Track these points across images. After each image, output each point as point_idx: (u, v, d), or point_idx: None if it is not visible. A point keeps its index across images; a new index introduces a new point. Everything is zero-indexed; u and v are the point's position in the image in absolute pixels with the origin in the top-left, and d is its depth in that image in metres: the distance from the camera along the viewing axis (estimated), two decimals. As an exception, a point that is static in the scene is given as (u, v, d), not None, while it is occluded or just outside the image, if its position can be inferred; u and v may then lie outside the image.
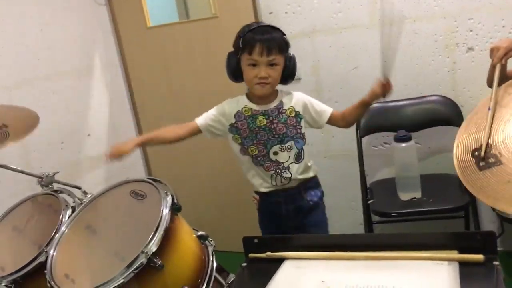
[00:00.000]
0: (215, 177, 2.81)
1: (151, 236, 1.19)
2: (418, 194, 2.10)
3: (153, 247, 1.18)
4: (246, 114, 1.76)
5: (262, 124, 1.74)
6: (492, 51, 1.62)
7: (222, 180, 2.78)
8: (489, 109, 1.41)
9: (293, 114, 1.76)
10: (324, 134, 2.53)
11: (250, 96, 1.79)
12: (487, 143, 1.33)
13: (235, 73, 1.72)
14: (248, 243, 1.13)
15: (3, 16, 2.17)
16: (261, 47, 1.64)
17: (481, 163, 1.32)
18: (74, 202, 1.58)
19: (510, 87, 1.46)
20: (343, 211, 2.62)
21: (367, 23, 2.34)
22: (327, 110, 1.81)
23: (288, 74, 1.74)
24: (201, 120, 1.80)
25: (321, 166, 2.57)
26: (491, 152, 1.32)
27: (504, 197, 1.22)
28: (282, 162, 1.76)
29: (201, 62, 2.67)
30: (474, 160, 1.35)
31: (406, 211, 2.07)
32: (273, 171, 1.77)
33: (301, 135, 1.77)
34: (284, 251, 1.13)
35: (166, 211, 1.25)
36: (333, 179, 2.58)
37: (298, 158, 1.78)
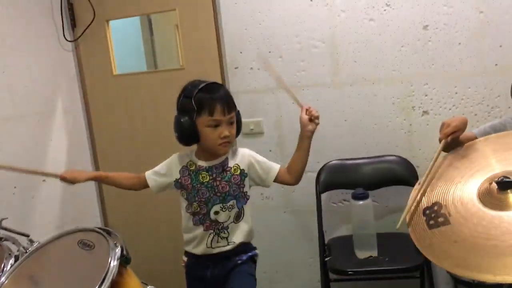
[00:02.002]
0: (174, 228, 2.75)
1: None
2: (374, 253, 2.10)
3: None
4: (190, 169, 1.74)
5: (204, 181, 1.71)
6: (442, 126, 1.68)
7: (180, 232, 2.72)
8: (418, 183, 1.46)
9: (238, 172, 1.73)
10: (284, 188, 2.54)
11: (198, 152, 1.77)
12: (418, 208, 1.37)
13: (191, 137, 1.67)
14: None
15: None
16: (222, 106, 1.62)
17: (431, 222, 1.35)
18: (18, 250, 1.50)
19: (468, 149, 1.51)
20: (301, 267, 2.60)
21: (328, 82, 2.41)
22: (274, 168, 1.77)
23: (239, 129, 1.75)
24: (149, 173, 1.79)
25: (280, 220, 2.58)
26: (441, 211, 1.36)
27: (450, 257, 1.24)
28: (222, 222, 1.73)
29: (165, 112, 2.65)
30: (424, 218, 1.38)
31: (362, 269, 2.06)
32: (212, 231, 1.73)
33: (243, 194, 1.75)
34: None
35: (114, 263, 1.21)
36: (291, 234, 2.58)
37: (238, 217, 1.75)
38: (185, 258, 1.81)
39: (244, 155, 1.77)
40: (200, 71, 2.51)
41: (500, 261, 1.13)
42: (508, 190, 1.25)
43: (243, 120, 1.82)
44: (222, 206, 1.71)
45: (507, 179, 1.25)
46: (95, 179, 1.93)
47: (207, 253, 1.75)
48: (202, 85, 1.65)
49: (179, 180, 1.75)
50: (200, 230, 1.74)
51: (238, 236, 1.75)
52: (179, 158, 1.78)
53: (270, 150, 2.53)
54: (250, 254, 1.80)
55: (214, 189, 1.71)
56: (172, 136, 2.61)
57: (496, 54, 2.15)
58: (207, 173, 1.72)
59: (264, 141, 2.54)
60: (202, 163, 1.74)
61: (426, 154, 2.34)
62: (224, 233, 1.73)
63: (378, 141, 2.40)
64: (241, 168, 1.74)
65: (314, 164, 2.40)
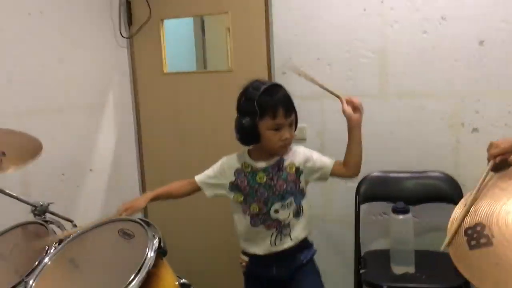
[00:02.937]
0: (212, 226, 2.79)
1: (132, 277, 1.17)
2: (411, 269, 2.06)
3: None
4: (246, 171, 1.76)
5: (262, 181, 1.73)
6: (490, 146, 1.63)
7: (218, 229, 2.75)
8: (464, 203, 1.42)
9: (293, 170, 1.75)
10: (324, 197, 2.53)
11: (250, 152, 1.79)
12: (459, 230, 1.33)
13: (252, 138, 1.69)
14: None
15: (24, 43, 2.25)
16: (284, 110, 1.64)
17: (472, 242, 1.31)
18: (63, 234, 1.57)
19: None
20: (335, 278, 2.57)
21: (376, 93, 2.39)
22: (329, 163, 1.78)
23: (295, 128, 1.76)
24: (200, 177, 1.81)
25: (318, 229, 2.56)
26: (484, 232, 1.31)
27: (490, 280, 1.20)
28: (282, 220, 1.74)
29: (212, 113, 2.71)
30: (466, 238, 1.34)
31: (398, 285, 2.02)
32: (274, 229, 1.75)
33: (300, 190, 1.76)
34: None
35: (151, 254, 1.23)
36: (327, 244, 2.55)
37: (297, 214, 1.76)
38: (245, 258, 1.82)
39: (299, 152, 1.79)
40: (248, 74, 2.51)
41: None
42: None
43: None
44: (281, 205, 1.73)
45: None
46: (152, 200, 1.80)
47: (271, 252, 1.76)
48: (264, 87, 1.66)
49: (235, 183, 1.76)
50: (261, 230, 1.76)
51: (299, 232, 1.77)
52: (231, 161, 1.80)
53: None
54: (312, 251, 1.84)
55: (272, 188, 1.73)
56: (219, 137, 2.67)
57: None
58: (264, 173, 1.74)
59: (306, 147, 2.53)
60: (258, 164, 1.75)
61: (473, 172, 2.25)
62: (286, 230, 1.75)
63: (423, 156, 2.35)
64: (296, 165, 1.76)
65: (357, 174, 2.37)
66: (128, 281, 1.17)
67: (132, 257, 1.25)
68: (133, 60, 2.89)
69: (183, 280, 1.35)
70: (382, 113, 2.39)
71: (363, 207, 2.39)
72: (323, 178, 1.80)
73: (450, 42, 2.23)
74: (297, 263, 1.79)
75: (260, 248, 1.77)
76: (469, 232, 1.34)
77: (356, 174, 1.78)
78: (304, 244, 1.81)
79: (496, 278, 1.19)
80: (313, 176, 1.79)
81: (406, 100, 2.36)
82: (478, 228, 1.33)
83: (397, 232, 2.09)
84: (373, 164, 2.42)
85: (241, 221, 1.78)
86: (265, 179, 1.73)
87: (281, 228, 1.75)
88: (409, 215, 2.07)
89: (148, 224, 1.36)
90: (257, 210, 1.73)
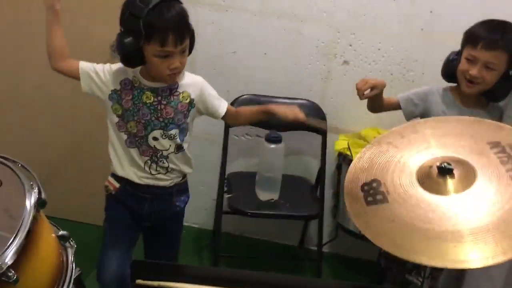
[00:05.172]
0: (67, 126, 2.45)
1: (8, 244, 0.93)
2: (276, 196, 2.11)
3: (8, 259, 0.92)
4: (134, 85, 1.52)
5: (148, 101, 1.51)
6: (360, 81, 1.77)
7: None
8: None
9: (187, 101, 1.56)
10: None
11: (143, 71, 1.53)
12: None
13: (135, 61, 1.46)
14: (137, 267, 0.96)
15: None
16: (175, 36, 1.40)
17: (369, 198, 1.35)
18: None
19: (407, 129, 1.50)
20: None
21: (255, 9, 2.24)
22: (223, 106, 1.65)
23: (191, 50, 1.54)
24: (85, 66, 1.52)
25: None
26: (380, 189, 1.36)
27: (387, 236, 1.26)
28: (161, 150, 1.56)
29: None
30: (363, 194, 1.37)
31: (262, 212, 2.07)
32: (149, 158, 1.56)
33: (186, 125, 1.59)
34: (176, 281, 0.99)
35: (30, 211, 0.97)
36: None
37: (179, 148, 1.60)
38: (115, 183, 1.60)
39: (196, 83, 1.59)
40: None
41: (435, 245, 1.17)
42: (447, 176, 1.28)
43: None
44: (162, 133, 1.54)
45: (449, 166, 1.28)
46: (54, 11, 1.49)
47: (146, 183, 1.58)
48: (154, 2, 1.38)
49: (118, 92, 1.52)
50: (135, 153, 1.56)
51: (180, 167, 1.62)
52: (122, 68, 1.53)
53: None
54: (187, 199, 1.71)
55: (157, 112, 1.52)
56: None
57: (424, 19, 2.15)
58: (152, 94, 1.52)
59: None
60: (148, 83, 1.52)
61: (337, 103, 2.35)
62: (163, 162, 1.57)
63: (294, 82, 2.34)
64: (192, 97, 1.57)
65: (224, 94, 2.23)
66: (4, 249, 0.92)
67: (2, 212, 0.98)
68: None
69: (61, 232, 1.13)
70: (259, 31, 2.27)
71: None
72: (214, 116, 1.67)
73: (338, -31, 2.16)
74: (171, 208, 1.67)
75: (135, 175, 1.59)
76: (366, 188, 1.37)
77: (235, 126, 1.83)
78: (182, 187, 1.68)
79: (392, 235, 1.25)
80: (199, 114, 1.63)
81: (285, 22, 2.26)
82: (374, 185, 1.37)
83: (267, 159, 2.10)
84: (244, 84, 2.34)
85: (116, 138, 1.58)
86: (152, 100, 1.52)
87: (157, 158, 1.57)
88: (281, 145, 2.07)
89: (16, 164, 1.07)
90: (135, 131, 1.54)
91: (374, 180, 1.37)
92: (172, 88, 1.54)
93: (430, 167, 1.33)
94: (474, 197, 1.22)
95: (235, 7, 2.25)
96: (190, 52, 1.54)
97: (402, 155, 1.41)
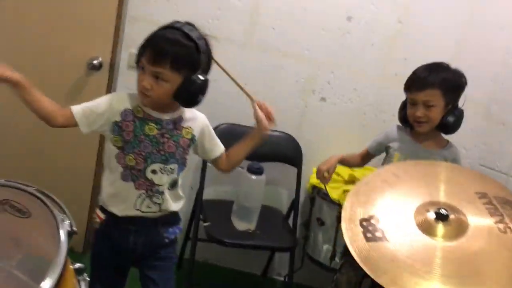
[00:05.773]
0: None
1: (45, 280, 0.86)
2: (253, 226, 2.13)
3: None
4: (137, 115, 1.47)
5: (150, 133, 1.47)
6: (318, 172, 1.91)
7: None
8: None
9: (189, 136, 1.53)
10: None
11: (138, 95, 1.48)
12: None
13: (137, 65, 1.45)
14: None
15: None
16: (151, 54, 1.38)
17: (368, 235, 1.41)
18: None
19: (398, 168, 1.59)
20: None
21: (240, 40, 2.30)
22: (219, 148, 1.62)
23: (182, 95, 1.43)
24: (78, 110, 1.44)
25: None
26: (378, 226, 1.42)
27: (386, 274, 1.32)
28: (158, 185, 1.51)
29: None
30: (362, 229, 1.42)
31: (240, 242, 2.08)
32: (144, 191, 1.50)
33: (184, 161, 1.55)
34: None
35: (65, 247, 0.92)
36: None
37: (173, 185, 1.55)
38: (101, 215, 1.53)
39: (200, 120, 1.57)
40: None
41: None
42: (441, 222, 1.37)
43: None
44: (161, 167, 1.49)
45: (445, 212, 1.37)
46: (16, 83, 1.32)
47: (130, 215, 1.50)
48: (173, 25, 1.43)
49: (119, 124, 1.45)
50: (130, 187, 1.49)
51: (171, 205, 1.55)
52: (122, 98, 1.48)
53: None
54: (177, 232, 1.62)
55: (158, 145, 1.47)
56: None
57: (398, 65, 2.30)
58: (155, 126, 1.47)
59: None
60: (153, 113, 1.48)
61: (313, 137, 2.42)
62: (158, 198, 1.51)
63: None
64: (193, 133, 1.53)
65: (202, 121, 2.28)
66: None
67: (31, 245, 0.93)
68: None
69: (77, 265, 1.08)
70: (242, 63, 2.32)
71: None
72: (206, 157, 1.64)
73: (321, 10, 2.26)
74: (159, 240, 1.58)
75: (120, 208, 1.51)
76: (364, 224, 1.43)
77: (227, 172, 1.67)
78: (172, 219, 1.60)
79: (392, 274, 1.31)
80: (199, 151, 1.60)
81: (268, 55, 2.33)
82: (373, 221, 1.43)
83: (247, 190, 2.12)
84: (221, 114, 2.36)
85: (111, 170, 1.51)
86: (155, 132, 1.48)
87: (153, 193, 1.51)
88: (262, 176, 2.10)
89: (50, 199, 1.02)
90: (133, 163, 1.48)
91: (372, 217, 1.44)
92: (176, 122, 1.51)
93: (427, 210, 1.42)
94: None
95: (221, 37, 2.28)
96: (186, 101, 1.47)
97: (399, 194, 1.49)
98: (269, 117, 1.56)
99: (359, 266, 1.24)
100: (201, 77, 1.44)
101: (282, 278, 2.61)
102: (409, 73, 1.84)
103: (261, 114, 1.56)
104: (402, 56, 2.30)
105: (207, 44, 1.47)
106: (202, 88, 1.46)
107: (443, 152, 1.84)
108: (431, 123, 1.78)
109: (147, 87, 1.40)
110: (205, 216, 2.18)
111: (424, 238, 1.37)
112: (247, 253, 2.51)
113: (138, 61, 1.44)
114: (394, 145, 1.89)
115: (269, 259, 2.57)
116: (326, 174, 1.88)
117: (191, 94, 1.44)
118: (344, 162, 1.98)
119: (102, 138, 2.33)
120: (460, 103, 1.82)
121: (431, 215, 1.39)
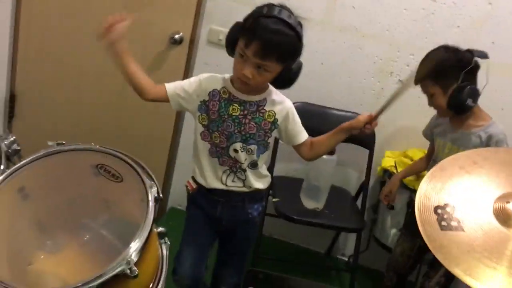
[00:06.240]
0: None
1: (135, 241, 0.94)
2: (321, 205, 2.15)
3: (134, 256, 0.94)
4: (223, 96, 1.53)
5: (234, 113, 1.53)
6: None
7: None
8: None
9: (271, 119, 1.56)
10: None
11: (232, 80, 1.55)
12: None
13: (228, 45, 1.48)
14: (251, 277, 0.99)
15: None
16: (257, 47, 1.39)
17: (443, 223, 1.38)
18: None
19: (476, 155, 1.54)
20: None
21: (319, 19, 2.29)
22: (303, 135, 1.63)
23: (279, 81, 1.50)
24: (171, 88, 1.52)
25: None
26: (454, 215, 1.39)
27: (462, 265, 1.30)
28: (240, 162, 1.58)
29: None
30: (436, 217, 1.40)
31: (309, 220, 2.10)
32: (228, 168, 1.58)
33: (265, 143, 1.59)
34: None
35: (152, 211, 0.99)
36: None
37: (254, 165, 1.61)
38: (193, 184, 1.62)
39: (285, 106, 1.59)
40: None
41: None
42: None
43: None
44: (242, 146, 1.55)
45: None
46: (122, 53, 1.44)
47: (217, 188, 1.59)
48: (273, 13, 1.40)
49: (206, 103, 1.53)
50: (215, 162, 1.58)
51: (254, 183, 1.62)
52: (211, 79, 1.55)
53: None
54: (261, 208, 1.70)
55: (240, 125, 1.53)
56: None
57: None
58: (239, 106, 1.53)
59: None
60: (237, 94, 1.53)
61: (386, 120, 2.36)
62: (241, 174, 1.59)
63: (346, 94, 2.37)
64: (276, 117, 1.57)
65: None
66: (130, 246, 0.94)
67: (122, 208, 1.01)
68: None
69: (160, 229, 1.16)
70: (319, 41, 2.30)
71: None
72: (289, 143, 1.66)
73: (404, -11, 2.20)
74: (243, 215, 1.66)
75: (208, 181, 1.60)
76: (439, 211, 1.41)
77: (310, 160, 1.70)
78: (257, 196, 1.67)
79: (466, 265, 1.29)
80: (283, 135, 1.62)
81: (346, 35, 2.30)
82: (448, 209, 1.41)
83: (318, 170, 2.12)
84: (297, 92, 2.35)
85: (200, 146, 1.59)
86: (238, 113, 1.53)
87: (236, 169, 1.59)
88: (334, 157, 2.10)
89: (140, 166, 1.09)
90: (218, 141, 1.56)
91: (447, 205, 1.41)
92: (259, 105, 1.55)
93: (507, 202, 1.37)
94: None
95: (300, 17, 2.26)
96: (284, 84, 1.53)
97: (476, 183, 1.45)
98: (372, 124, 1.62)
99: (413, 239, 1.34)
100: (299, 64, 1.49)
101: (345, 259, 2.63)
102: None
103: (363, 119, 1.60)
104: (489, 40, 2.20)
105: (302, 30, 1.47)
106: (299, 72, 1.51)
107: (478, 133, 1.86)
108: (441, 110, 1.88)
109: (249, 76, 1.43)
110: (275, 192, 2.22)
111: (500, 230, 1.33)
112: (312, 231, 2.54)
113: (232, 45, 1.46)
114: (436, 130, 2.01)
115: (334, 239, 2.59)
116: (389, 194, 2.09)
117: (290, 80, 1.51)
118: (407, 175, 2.13)
119: (178, 113, 2.44)
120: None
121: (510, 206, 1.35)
